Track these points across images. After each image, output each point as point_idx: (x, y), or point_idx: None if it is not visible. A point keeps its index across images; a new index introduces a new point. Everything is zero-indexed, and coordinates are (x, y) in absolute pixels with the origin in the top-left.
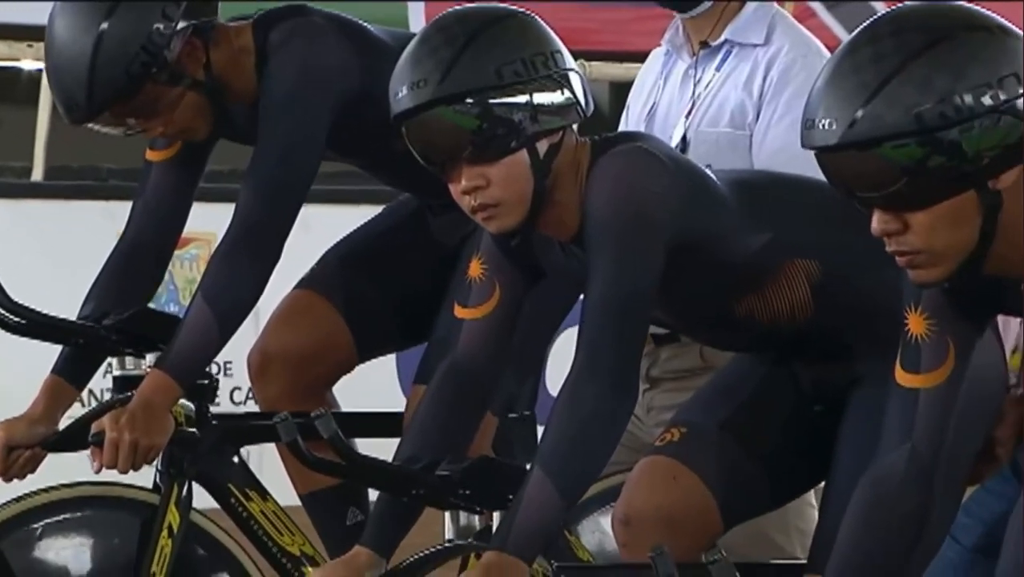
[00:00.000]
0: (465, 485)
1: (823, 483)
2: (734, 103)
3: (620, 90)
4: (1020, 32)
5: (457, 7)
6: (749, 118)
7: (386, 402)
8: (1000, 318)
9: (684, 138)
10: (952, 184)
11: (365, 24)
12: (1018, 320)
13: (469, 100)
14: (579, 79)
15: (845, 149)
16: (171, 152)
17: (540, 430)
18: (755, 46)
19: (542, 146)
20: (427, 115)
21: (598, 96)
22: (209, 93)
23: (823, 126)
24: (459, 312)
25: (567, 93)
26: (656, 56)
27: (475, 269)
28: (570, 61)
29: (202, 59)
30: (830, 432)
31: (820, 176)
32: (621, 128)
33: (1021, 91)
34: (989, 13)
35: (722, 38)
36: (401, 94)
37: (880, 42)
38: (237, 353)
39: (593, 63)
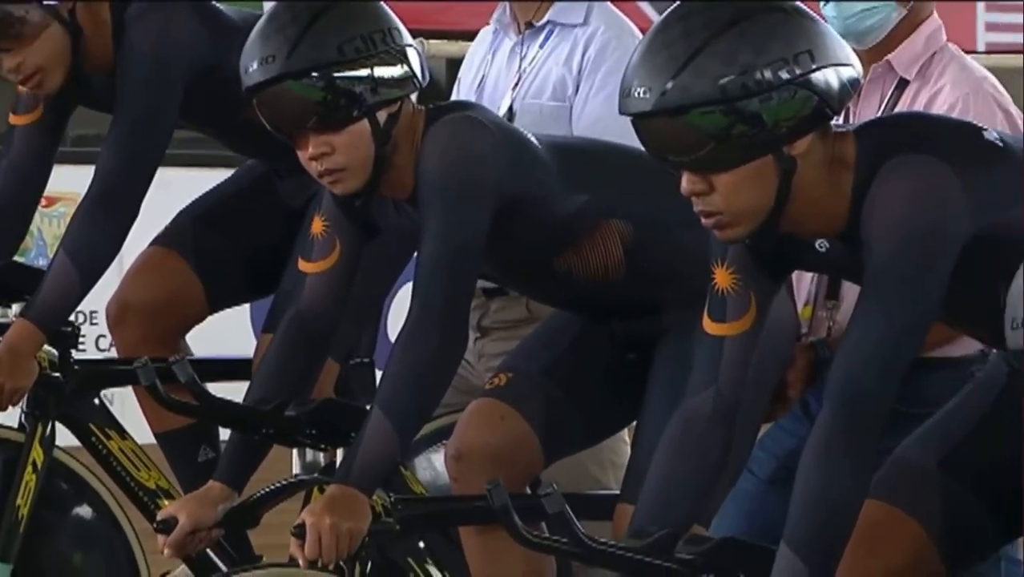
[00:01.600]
0: (310, 425)
1: (635, 422)
2: (556, 77)
3: (455, 66)
4: (813, 13)
5: None
6: (569, 91)
7: (239, 348)
8: (793, 274)
9: (511, 109)
10: (753, 149)
11: (217, 4)
12: (809, 275)
13: (314, 74)
14: (416, 54)
15: (657, 116)
16: (33, 117)
17: (379, 375)
18: (575, 26)
19: (382, 115)
20: (276, 88)
21: (435, 71)
22: (71, 33)
23: (638, 94)
24: (302, 266)
25: (404, 67)
26: (485, 34)
27: (317, 226)
28: (407, 38)
29: (69, 4)
30: (641, 377)
31: (634, 145)
32: (452, 99)
33: (814, 66)
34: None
35: (545, 19)
36: (252, 68)
37: (690, 20)
38: (102, 303)
39: (431, 41)
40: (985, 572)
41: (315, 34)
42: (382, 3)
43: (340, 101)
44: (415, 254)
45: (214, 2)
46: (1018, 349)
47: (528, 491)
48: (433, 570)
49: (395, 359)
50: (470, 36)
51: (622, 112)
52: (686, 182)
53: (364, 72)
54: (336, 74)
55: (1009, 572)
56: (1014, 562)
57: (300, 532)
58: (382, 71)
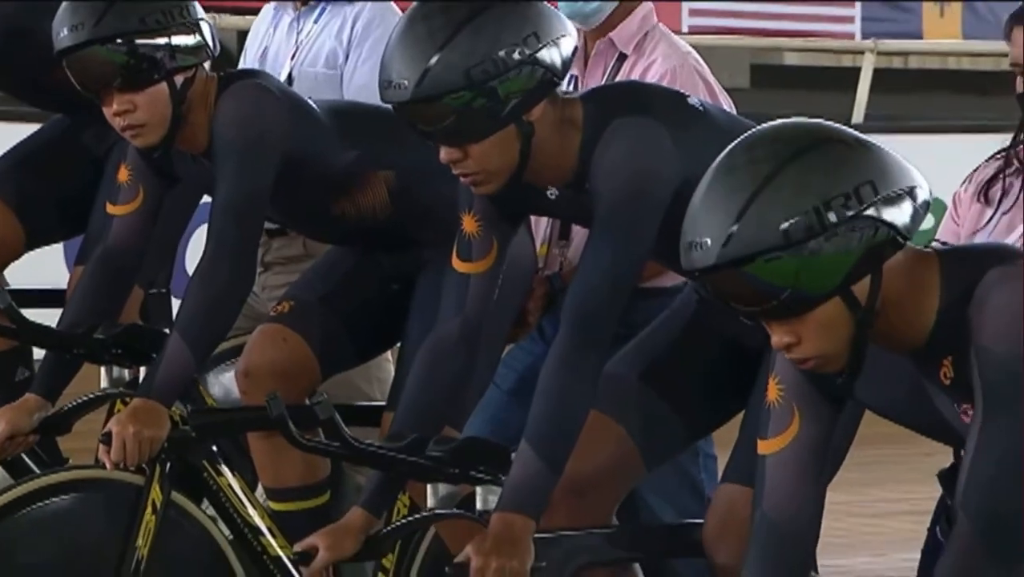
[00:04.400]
0: (117, 345)
1: (399, 343)
2: (328, 49)
3: (243, 37)
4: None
5: None
6: (340, 60)
7: (51, 280)
8: (533, 218)
9: (290, 76)
10: (497, 121)
11: None
12: (545, 219)
13: (119, 40)
14: (208, 27)
15: (416, 103)
16: None
17: (175, 303)
18: (344, 4)
19: (179, 79)
20: (84, 51)
21: (226, 42)
22: None
23: (397, 86)
24: (110, 209)
25: (199, 37)
26: (267, 10)
27: (123, 175)
28: (200, 12)
29: None
30: (404, 304)
31: None
32: (240, 67)
33: (540, 45)
34: None
35: None
36: (63, 34)
37: (432, 18)
38: None
39: (222, 15)
40: (686, 464)
41: (120, 5)
42: None
43: (142, 65)
44: (206, 199)
45: None
46: (691, 268)
47: (308, 402)
48: (225, 470)
49: (192, 290)
50: (255, 11)
51: (384, 101)
52: (444, 153)
53: (163, 40)
54: (138, 41)
55: (706, 465)
56: (710, 457)
57: (107, 439)
58: (179, 40)
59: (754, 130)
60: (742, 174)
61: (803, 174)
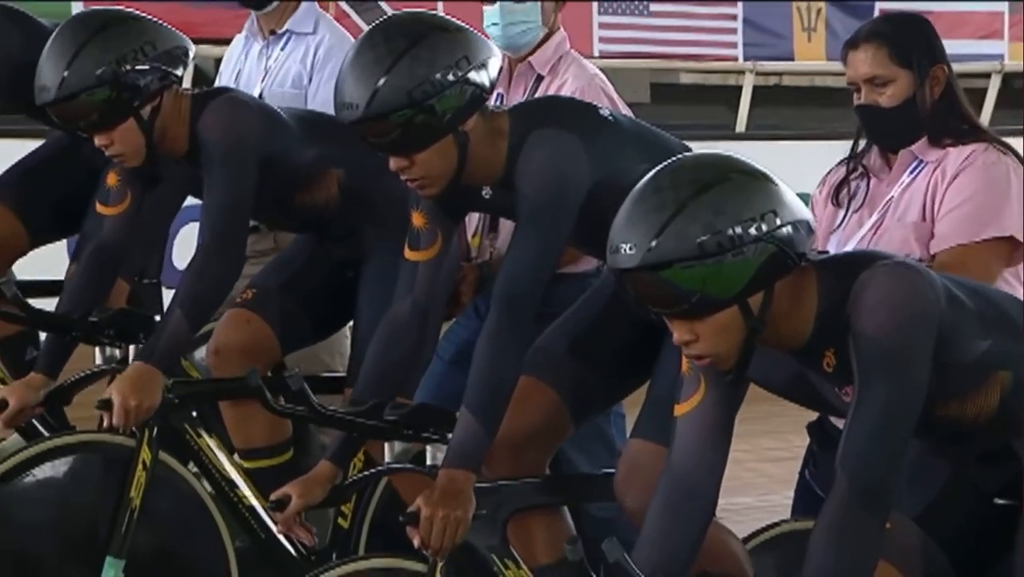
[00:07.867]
0: (109, 328)
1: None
2: (294, 72)
3: (220, 63)
4: (466, 26)
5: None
6: (305, 82)
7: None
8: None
9: (260, 95)
10: (437, 133)
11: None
12: (477, 214)
13: (82, 95)
14: (169, 56)
15: (366, 121)
16: None
17: (165, 292)
18: (307, 34)
19: (145, 111)
20: (56, 106)
21: (206, 68)
22: None
23: (351, 107)
24: (100, 209)
25: (157, 73)
26: (239, 40)
27: (112, 179)
28: (163, 45)
29: None
30: (355, 287)
31: None
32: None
33: (470, 66)
34: (441, 19)
35: (284, 28)
36: (38, 91)
37: (376, 48)
38: None
39: (200, 46)
40: (600, 423)
41: (80, 63)
42: (151, 20)
43: (105, 111)
44: (188, 198)
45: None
46: (616, 268)
47: (270, 374)
48: (203, 432)
49: (190, 275)
50: (228, 41)
51: (339, 119)
52: (393, 162)
53: (122, 85)
54: (96, 92)
55: (616, 423)
56: (620, 416)
57: (104, 405)
58: (137, 80)
59: (679, 157)
60: (667, 194)
61: (719, 199)
